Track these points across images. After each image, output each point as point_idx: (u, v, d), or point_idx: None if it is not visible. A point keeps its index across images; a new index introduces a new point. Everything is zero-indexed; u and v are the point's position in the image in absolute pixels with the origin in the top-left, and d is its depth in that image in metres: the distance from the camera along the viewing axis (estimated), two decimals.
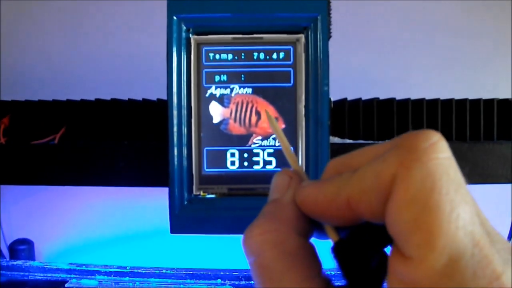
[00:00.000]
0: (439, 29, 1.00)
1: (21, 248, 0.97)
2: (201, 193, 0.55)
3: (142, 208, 1.00)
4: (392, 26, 1.00)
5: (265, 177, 0.55)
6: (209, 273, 0.84)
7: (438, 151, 0.19)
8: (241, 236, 0.23)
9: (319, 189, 0.23)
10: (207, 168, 0.55)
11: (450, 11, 1.00)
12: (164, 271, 0.84)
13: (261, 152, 0.55)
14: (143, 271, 0.84)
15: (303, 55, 0.55)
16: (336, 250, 0.22)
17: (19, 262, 0.88)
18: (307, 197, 0.23)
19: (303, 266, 0.22)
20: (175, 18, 0.54)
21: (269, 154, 0.55)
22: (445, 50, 1.00)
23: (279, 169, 0.55)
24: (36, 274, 0.86)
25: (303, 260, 0.22)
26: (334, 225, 0.23)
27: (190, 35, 0.54)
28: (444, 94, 0.71)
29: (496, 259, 0.18)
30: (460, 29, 1.00)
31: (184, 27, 0.54)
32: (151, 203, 0.97)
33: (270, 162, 0.55)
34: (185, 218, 0.54)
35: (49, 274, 0.85)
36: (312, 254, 0.23)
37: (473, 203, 0.19)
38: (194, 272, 0.84)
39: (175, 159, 0.54)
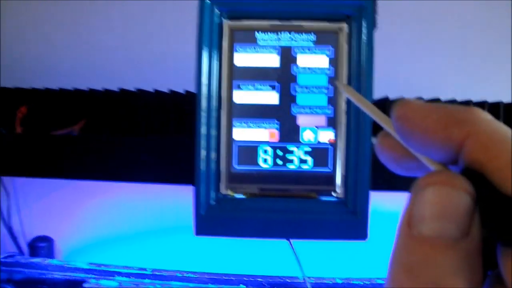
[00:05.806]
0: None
1: (41, 245, 0.97)
2: (230, 192, 0.50)
3: (164, 206, 0.97)
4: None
5: (300, 177, 0.50)
6: (232, 278, 0.81)
7: None
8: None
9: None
10: (237, 165, 0.50)
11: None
12: (185, 275, 0.82)
13: (296, 150, 0.50)
14: (164, 274, 0.83)
15: (346, 46, 0.50)
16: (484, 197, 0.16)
17: (38, 259, 0.87)
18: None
19: None
20: (207, 1, 0.49)
21: (306, 152, 0.50)
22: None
23: (317, 169, 0.50)
24: (55, 272, 0.85)
25: None
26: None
27: (223, 20, 0.50)
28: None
29: None
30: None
31: (217, 11, 0.50)
32: (173, 201, 0.94)
33: (305, 161, 0.50)
34: (212, 220, 0.49)
35: (68, 273, 0.85)
36: None
37: None
38: (216, 277, 0.82)
39: (202, 153, 0.49)
